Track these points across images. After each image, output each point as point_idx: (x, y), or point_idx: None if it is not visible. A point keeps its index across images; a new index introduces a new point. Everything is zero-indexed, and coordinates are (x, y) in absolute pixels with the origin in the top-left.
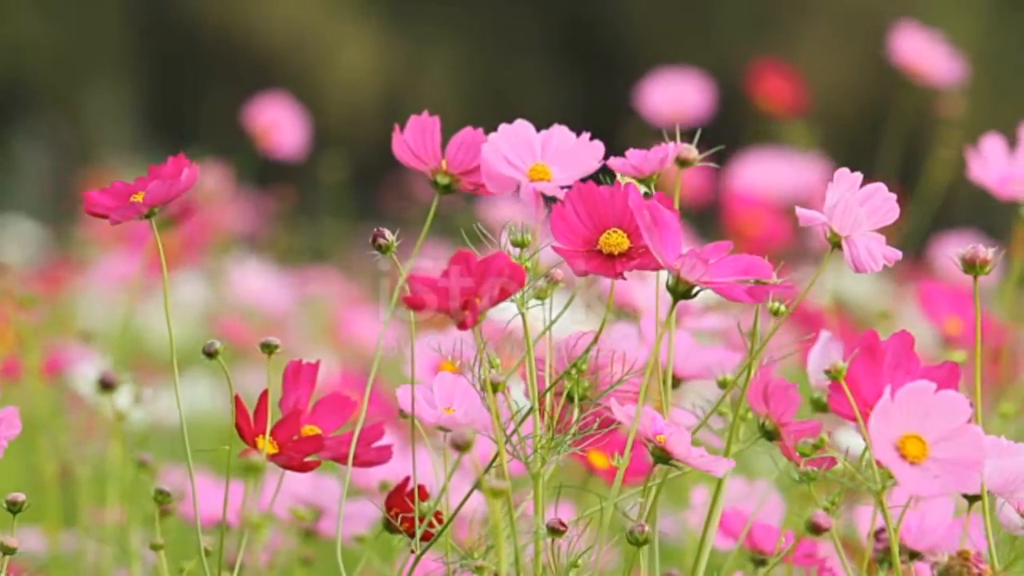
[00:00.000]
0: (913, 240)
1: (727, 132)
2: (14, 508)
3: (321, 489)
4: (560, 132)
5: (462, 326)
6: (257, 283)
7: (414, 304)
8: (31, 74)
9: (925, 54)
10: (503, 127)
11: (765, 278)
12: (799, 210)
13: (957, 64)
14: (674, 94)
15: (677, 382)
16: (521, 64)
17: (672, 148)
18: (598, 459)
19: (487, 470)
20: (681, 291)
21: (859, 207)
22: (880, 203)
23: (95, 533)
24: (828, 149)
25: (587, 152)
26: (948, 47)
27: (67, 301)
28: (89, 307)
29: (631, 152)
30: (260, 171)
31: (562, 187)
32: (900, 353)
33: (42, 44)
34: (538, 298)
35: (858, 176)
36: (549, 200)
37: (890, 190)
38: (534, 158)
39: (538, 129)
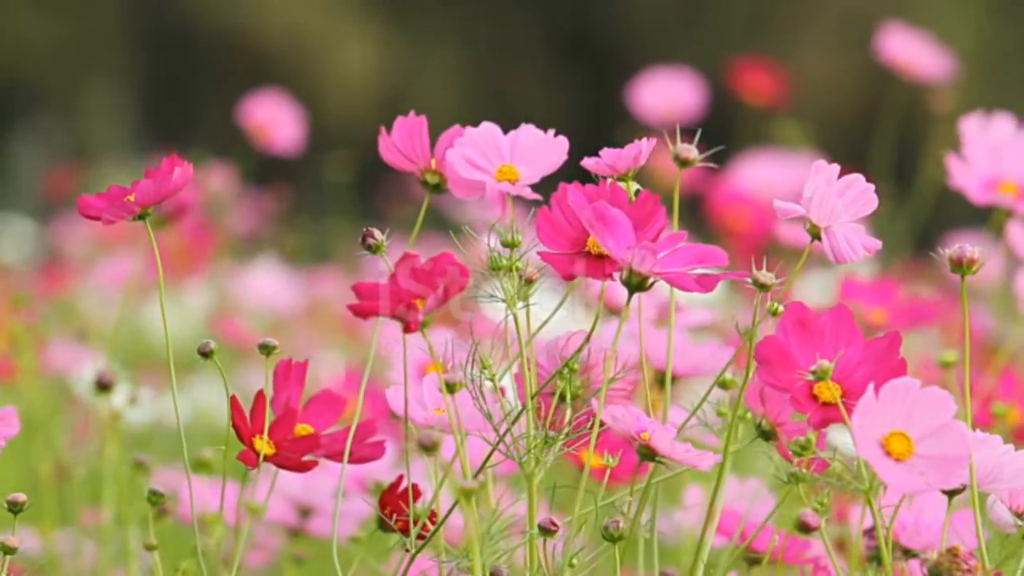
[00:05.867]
0: (911, 238)
1: (722, 132)
2: (15, 508)
3: (312, 489)
4: (527, 131)
5: (407, 329)
6: (265, 284)
7: (358, 311)
8: (29, 73)
9: (914, 52)
10: (469, 131)
11: (719, 266)
12: (777, 203)
13: (946, 61)
14: (667, 93)
15: (671, 380)
16: (521, 65)
17: (646, 145)
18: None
19: (480, 470)
20: (635, 283)
21: (836, 199)
22: (858, 194)
23: (91, 533)
24: (826, 149)
25: (551, 149)
26: (939, 45)
27: (65, 301)
28: (87, 307)
29: (605, 151)
30: (259, 171)
31: (529, 186)
32: (839, 326)
33: (39, 43)
34: (522, 298)
35: (835, 168)
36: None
37: (879, 188)
38: (502, 159)
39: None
